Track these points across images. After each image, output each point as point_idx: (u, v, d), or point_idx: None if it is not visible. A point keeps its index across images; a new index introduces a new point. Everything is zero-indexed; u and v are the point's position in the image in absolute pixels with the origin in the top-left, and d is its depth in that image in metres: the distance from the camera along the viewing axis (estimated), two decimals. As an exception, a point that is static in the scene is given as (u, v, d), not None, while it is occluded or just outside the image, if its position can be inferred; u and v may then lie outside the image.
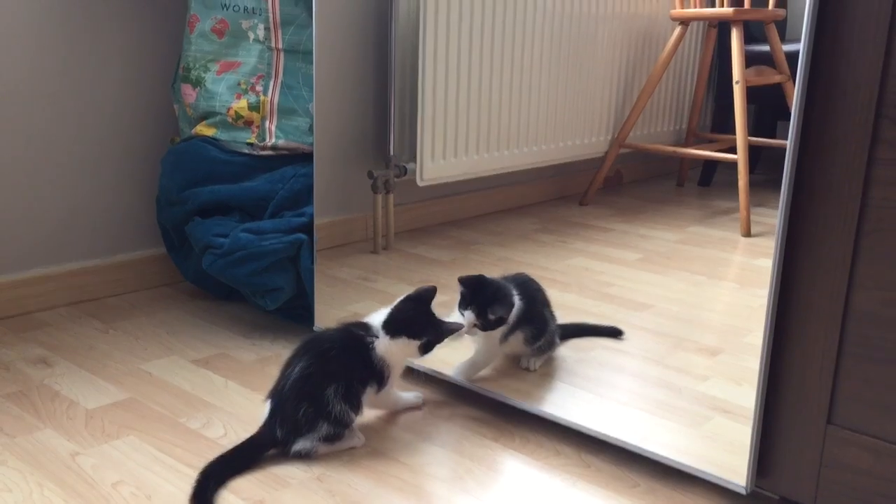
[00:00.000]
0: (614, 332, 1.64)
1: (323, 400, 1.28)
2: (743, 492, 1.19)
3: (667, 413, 1.38)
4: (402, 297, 1.40)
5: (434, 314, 1.40)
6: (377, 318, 1.38)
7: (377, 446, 1.36)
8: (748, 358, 1.53)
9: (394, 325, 1.36)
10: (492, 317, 1.44)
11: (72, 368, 1.62)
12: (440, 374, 1.55)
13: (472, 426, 1.44)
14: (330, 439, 1.30)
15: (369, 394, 1.35)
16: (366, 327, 1.37)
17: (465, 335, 1.48)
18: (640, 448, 1.30)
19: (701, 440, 1.31)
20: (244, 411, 1.46)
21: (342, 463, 1.31)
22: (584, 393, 1.47)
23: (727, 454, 1.25)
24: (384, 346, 1.35)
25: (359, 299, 1.82)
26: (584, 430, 1.36)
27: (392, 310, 1.39)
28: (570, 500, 1.23)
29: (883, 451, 1.09)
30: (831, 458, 1.13)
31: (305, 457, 1.30)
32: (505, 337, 1.49)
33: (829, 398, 1.12)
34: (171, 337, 1.79)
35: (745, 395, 1.24)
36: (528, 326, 1.50)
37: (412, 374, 1.60)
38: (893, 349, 1.07)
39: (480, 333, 1.47)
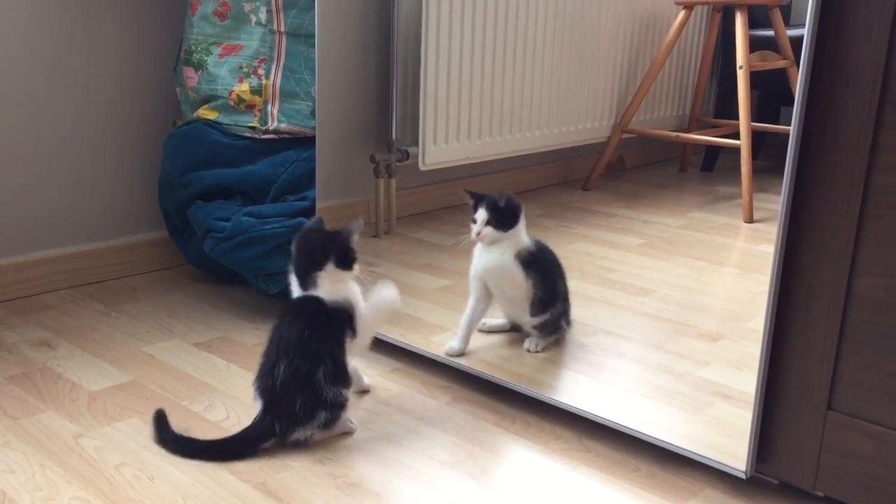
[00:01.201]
0: None
1: (315, 388, 1.26)
2: (743, 476, 1.20)
3: (668, 398, 1.39)
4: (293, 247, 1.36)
5: (325, 231, 1.35)
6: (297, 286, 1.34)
7: (379, 429, 1.37)
8: (749, 343, 1.53)
9: (302, 273, 1.32)
10: (501, 204, 1.47)
11: (74, 351, 1.63)
12: (440, 357, 1.55)
13: (473, 410, 1.44)
14: (328, 425, 1.30)
15: (349, 346, 1.32)
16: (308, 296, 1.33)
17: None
18: (640, 433, 1.30)
19: (701, 425, 1.31)
20: (246, 394, 1.46)
21: (343, 446, 1.31)
22: (585, 378, 1.47)
23: (727, 439, 1.25)
24: (325, 293, 1.30)
25: (361, 285, 1.82)
26: (585, 415, 1.37)
27: (292, 267, 1.34)
28: (570, 485, 1.24)
29: (883, 438, 1.10)
30: (831, 443, 1.14)
31: (302, 444, 1.30)
32: (527, 267, 1.51)
33: (829, 384, 1.12)
34: (173, 320, 1.79)
35: (746, 381, 1.24)
36: (536, 275, 1.52)
37: (414, 358, 1.61)
38: (895, 335, 1.07)
39: (491, 245, 1.50)
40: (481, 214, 1.48)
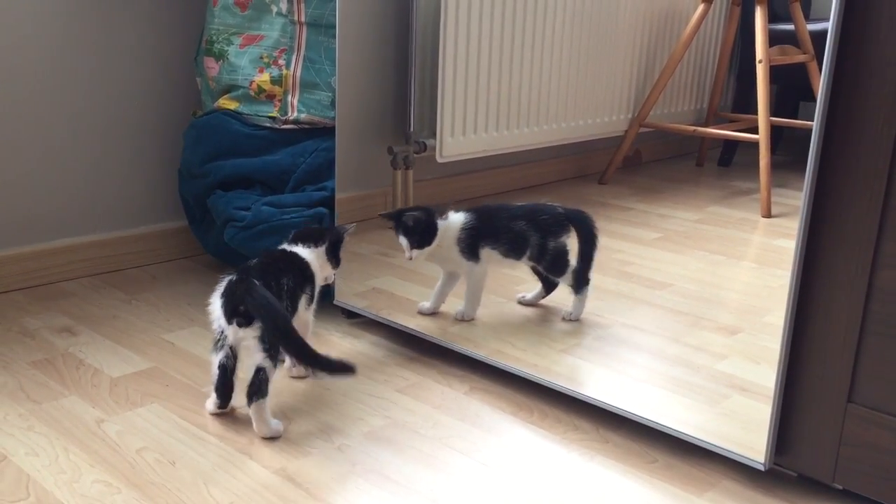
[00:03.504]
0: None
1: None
2: (762, 468, 1.20)
3: (685, 390, 1.39)
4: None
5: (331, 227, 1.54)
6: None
7: (396, 418, 1.38)
8: (767, 337, 1.54)
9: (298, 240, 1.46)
10: (409, 223, 1.54)
11: (95, 338, 1.64)
12: (458, 347, 1.56)
13: (490, 400, 1.45)
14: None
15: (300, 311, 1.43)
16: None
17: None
18: (658, 424, 1.30)
19: (719, 417, 1.31)
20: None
21: (362, 434, 1.33)
22: (602, 369, 1.48)
23: (744, 432, 1.25)
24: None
25: (378, 274, 1.83)
26: (602, 406, 1.37)
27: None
28: (587, 475, 1.24)
29: (902, 430, 1.10)
30: (851, 436, 1.14)
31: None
32: (471, 252, 1.59)
33: (850, 376, 1.12)
34: (192, 308, 1.81)
35: (764, 374, 1.25)
36: (496, 241, 1.60)
37: (431, 348, 1.61)
38: (916, 328, 1.07)
39: (456, 262, 1.61)
40: (403, 241, 1.56)
